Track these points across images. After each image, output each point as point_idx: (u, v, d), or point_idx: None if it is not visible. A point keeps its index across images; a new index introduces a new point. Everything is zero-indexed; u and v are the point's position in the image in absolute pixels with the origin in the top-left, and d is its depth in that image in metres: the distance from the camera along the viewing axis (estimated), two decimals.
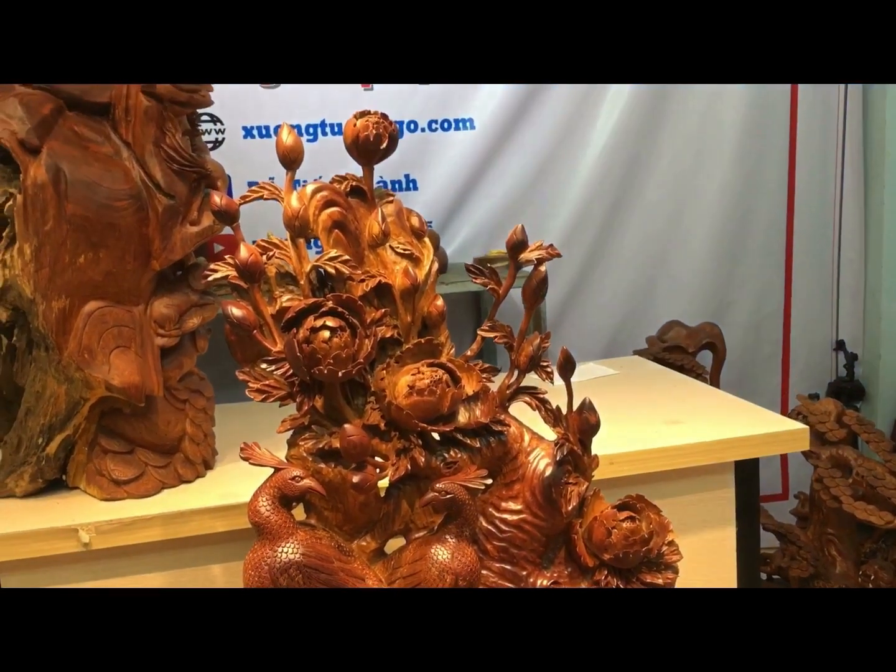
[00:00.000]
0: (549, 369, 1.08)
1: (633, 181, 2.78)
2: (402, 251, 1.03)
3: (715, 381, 2.68)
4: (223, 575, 1.32)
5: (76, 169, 1.24)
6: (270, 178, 2.19)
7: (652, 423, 1.56)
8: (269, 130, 2.50)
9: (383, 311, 0.99)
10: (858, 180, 2.91)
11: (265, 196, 0.99)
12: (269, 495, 0.97)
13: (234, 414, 1.61)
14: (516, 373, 1.07)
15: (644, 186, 2.80)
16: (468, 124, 2.64)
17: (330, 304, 0.94)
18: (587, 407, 1.08)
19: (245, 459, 0.99)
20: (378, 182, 2.60)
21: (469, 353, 1.06)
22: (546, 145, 2.70)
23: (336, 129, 2.55)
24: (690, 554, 1.50)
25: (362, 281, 0.99)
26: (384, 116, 1.00)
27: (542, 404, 1.08)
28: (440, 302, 1.05)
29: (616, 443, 1.46)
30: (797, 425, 1.51)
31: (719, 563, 1.52)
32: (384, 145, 1.00)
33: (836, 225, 2.96)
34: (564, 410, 1.11)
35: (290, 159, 0.98)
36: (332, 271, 0.97)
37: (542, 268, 1.04)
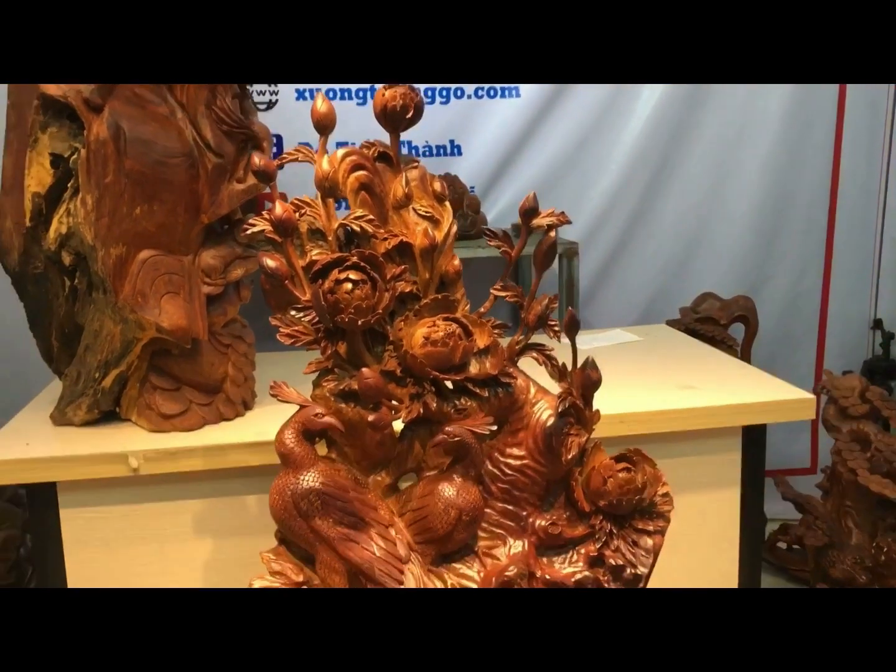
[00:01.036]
0: (556, 328, 1.16)
1: (675, 153, 2.81)
2: (423, 213, 1.12)
3: (746, 354, 2.72)
4: (257, 505, 1.45)
5: (134, 127, 1.35)
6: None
7: (665, 387, 1.63)
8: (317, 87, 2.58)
9: (403, 267, 1.09)
10: None
11: (300, 158, 1.09)
12: (294, 429, 1.08)
13: (275, 362, 1.73)
14: (525, 330, 1.16)
15: (686, 158, 2.82)
16: (514, 93, 2.70)
17: (354, 258, 1.04)
18: (590, 364, 1.16)
19: (274, 396, 1.10)
20: (424, 146, 2.70)
21: (482, 310, 1.15)
22: (590, 115, 2.74)
23: None
24: (696, 511, 1.59)
25: (385, 239, 1.09)
26: (411, 88, 1.09)
27: (548, 360, 1.17)
28: (457, 261, 1.14)
29: (627, 403, 1.54)
30: (804, 394, 1.57)
31: (724, 521, 1.59)
32: (410, 115, 1.09)
33: (879, 204, 2.95)
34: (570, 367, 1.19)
35: (323, 125, 1.07)
36: (358, 229, 1.07)
37: (552, 233, 1.12)
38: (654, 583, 1.60)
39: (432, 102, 2.66)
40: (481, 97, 2.69)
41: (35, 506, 1.41)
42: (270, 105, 2.57)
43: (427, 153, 2.69)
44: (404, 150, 2.67)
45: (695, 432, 1.54)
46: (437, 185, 1.14)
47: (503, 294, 1.14)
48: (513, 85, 2.69)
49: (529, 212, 1.10)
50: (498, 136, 2.72)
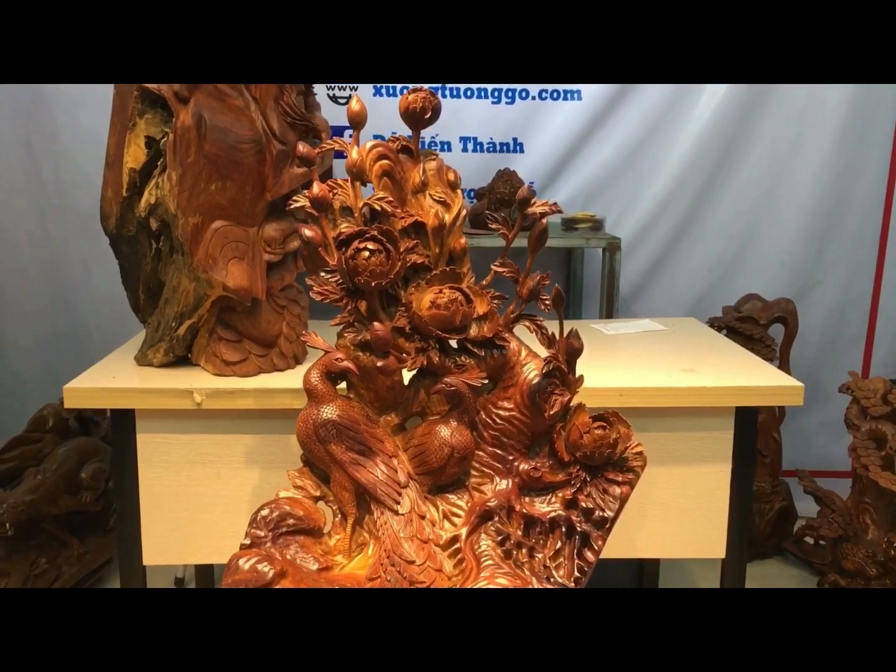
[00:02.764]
0: (546, 301, 1.35)
1: (730, 157, 2.93)
2: (437, 198, 1.34)
3: (785, 355, 2.83)
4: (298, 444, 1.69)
5: (214, 116, 1.61)
6: (392, 132, 2.55)
7: (669, 369, 1.79)
8: (395, 90, 2.82)
9: (415, 241, 1.31)
10: None
11: (336, 148, 1.32)
12: (319, 370, 1.32)
13: (326, 328, 1.98)
14: (519, 302, 1.36)
15: (741, 163, 2.94)
16: (576, 95, 2.87)
17: (373, 232, 1.26)
18: (573, 335, 1.35)
19: (305, 342, 1.34)
20: (488, 142, 2.90)
21: (484, 282, 1.36)
22: (648, 119, 2.89)
23: (455, 92, 2.85)
24: (687, 482, 1.76)
25: (402, 218, 1.31)
26: (431, 92, 1.30)
27: (538, 328, 1.36)
28: (463, 240, 1.35)
29: (628, 379, 1.72)
30: (794, 382, 1.71)
31: (714, 494, 1.74)
32: (428, 115, 1.30)
33: None
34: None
35: (356, 122, 1.30)
36: (379, 209, 1.29)
37: (544, 220, 1.31)
38: (645, 548, 1.78)
39: (498, 102, 2.87)
40: (545, 98, 2.88)
41: (117, 429, 1.69)
42: (349, 100, 2.82)
43: (490, 149, 2.89)
44: (469, 145, 2.89)
45: (690, 410, 1.70)
46: (451, 175, 1.35)
47: (501, 270, 1.34)
48: (575, 88, 2.86)
49: (524, 202, 1.30)
50: (558, 135, 2.90)
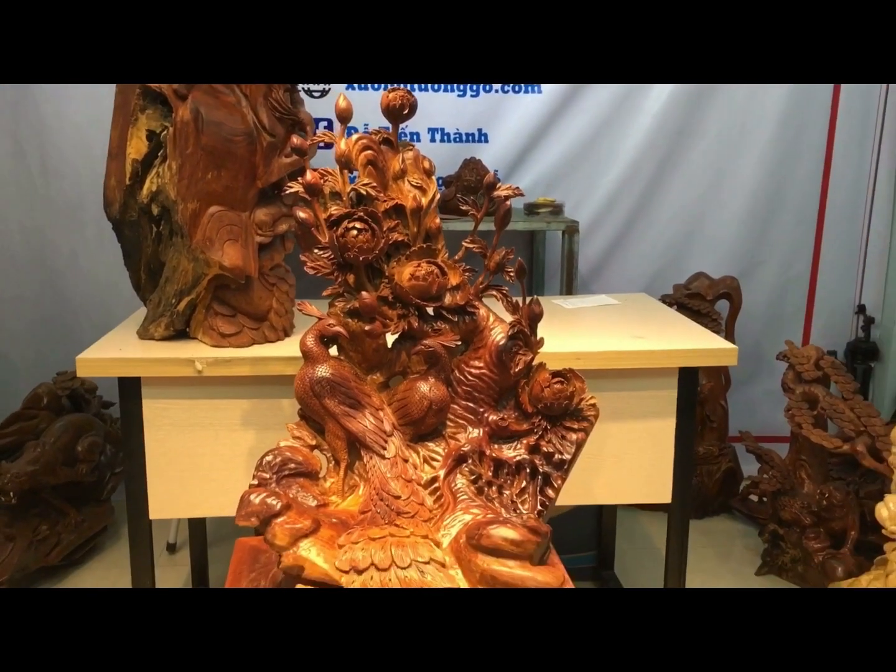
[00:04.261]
0: (510, 272, 1.55)
1: (679, 148, 3.16)
2: (415, 184, 1.52)
3: (730, 327, 3.07)
4: (290, 406, 1.86)
5: (210, 112, 1.78)
6: (365, 125, 2.74)
7: (621, 336, 2.01)
8: (368, 87, 3.00)
9: (396, 222, 1.50)
10: (894, 156, 3.19)
11: (326, 140, 1.51)
12: (313, 334, 1.50)
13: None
14: (487, 274, 1.56)
15: (689, 153, 3.17)
16: (536, 89, 3.08)
17: (360, 213, 1.45)
18: (535, 302, 1.55)
19: (300, 310, 1.52)
20: (455, 133, 3.10)
21: (456, 257, 1.55)
22: (603, 111, 3.11)
23: (424, 87, 3.04)
24: (637, 435, 1.98)
25: (384, 201, 1.49)
26: (408, 91, 1.49)
27: (504, 297, 1.56)
28: (438, 220, 1.54)
29: (585, 344, 1.93)
30: (728, 345, 1.93)
31: (660, 446, 1.96)
32: (406, 111, 1.49)
33: (868, 197, 3.25)
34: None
35: (343, 117, 1.49)
36: (364, 193, 1.48)
37: (508, 203, 1.51)
38: (602, 495, 2.00)
39: (464, 95, 3.07)
40: (507, 92, 3.08)
41: (125, 396, 1.86)
42: (324, 93, 2.99)
43: (457, 139, 3.09)
44: (437, 136, 3.08)
45: (638, 371, 1.91)
46: (427, 164, 1.54)
47: (471, 246, 1.54)
48: None
49: (490, 186, 1.50)
50: (520, 126, 3.10)
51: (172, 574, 2.64)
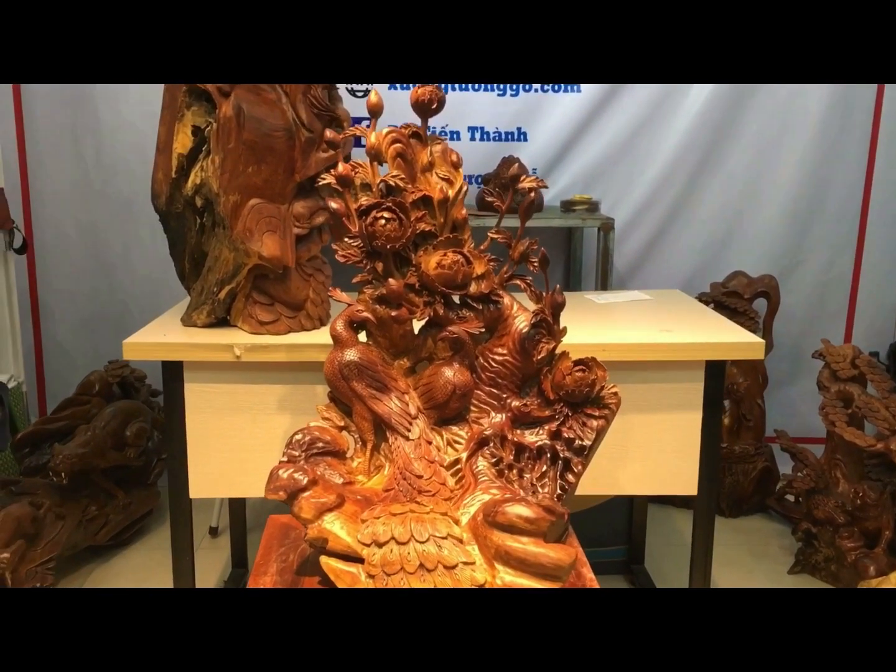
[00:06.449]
0: (534, 262, 1.60)
1: (718, 147, 3.16)
2: (442, 176, 1.58)
3: (768, 326, 3.06)
4: (323, 392, 1.93)
5: (251, 108, 1.86)
6: (404, 122, 2.80)
7: (649, 329, 2.04)
8: (409, 84, 3.06)
9: (424, 213, 1.55)
10: None
11: (357, 133, 1.57)
12: (343, 319, 1.57)
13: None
14: (511, 263, 1.60)
15: (728, 152, 3.17)
16: (575, 88, 3.11)
17: (388, 203, 1.51)
18: (557, 291, 1.59)
19: (330, 297, 1.59)
20: (494, 132, 3.15)
21: (482, 247, 1.61)
22: (642, 110, 3.13)
23: (463, 86, 3.10)
24: (664, 427, 2.00)
25: (412, 192, 1.55)
26: (437, 87, 1.55)
27: (528, 286, 1.61)
28: (464, 211, 1.60)
29: (611, 335, 1.97)
30: (756, 339, 1.95)
31: (687, 439, 1.98)
32: (434, 106, 1.55)
33: None
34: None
35: (374, 112, 1.55)
36: (393, 184, 1.54)
37: (533, 194, 1.56)
38: (628, 486, 2.03)
39: (503, 95, 3.12)
40: (546, 91, 3.12)
41: (168, 379, 1.95)
42: (366, 93, 3.06)
43: (497, 138, 3.14)
44: (477, 135, 3.13)
45: (665, 363, 1.94)
46: (454, 157, 1.60)
47: (497, 237, 1.59)
48: None
49: (515, 177, 1.55)
50: (559, 125, 3.14)
51: (213, 556, 2.74)
